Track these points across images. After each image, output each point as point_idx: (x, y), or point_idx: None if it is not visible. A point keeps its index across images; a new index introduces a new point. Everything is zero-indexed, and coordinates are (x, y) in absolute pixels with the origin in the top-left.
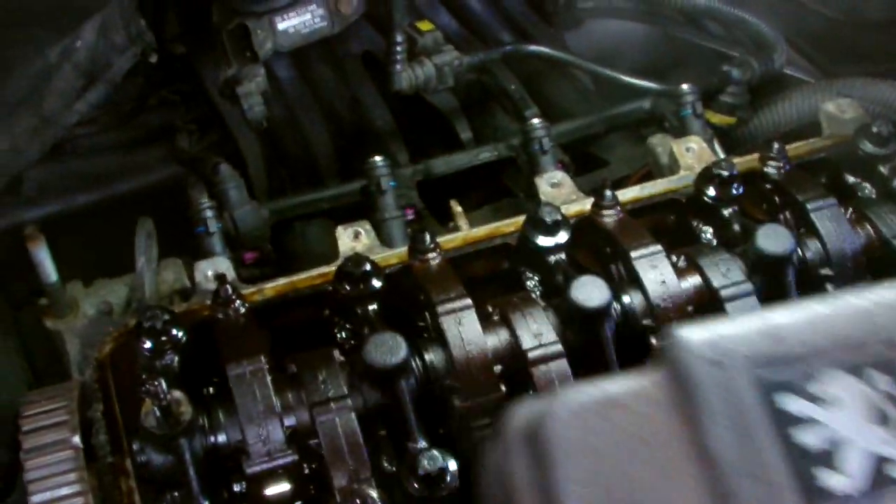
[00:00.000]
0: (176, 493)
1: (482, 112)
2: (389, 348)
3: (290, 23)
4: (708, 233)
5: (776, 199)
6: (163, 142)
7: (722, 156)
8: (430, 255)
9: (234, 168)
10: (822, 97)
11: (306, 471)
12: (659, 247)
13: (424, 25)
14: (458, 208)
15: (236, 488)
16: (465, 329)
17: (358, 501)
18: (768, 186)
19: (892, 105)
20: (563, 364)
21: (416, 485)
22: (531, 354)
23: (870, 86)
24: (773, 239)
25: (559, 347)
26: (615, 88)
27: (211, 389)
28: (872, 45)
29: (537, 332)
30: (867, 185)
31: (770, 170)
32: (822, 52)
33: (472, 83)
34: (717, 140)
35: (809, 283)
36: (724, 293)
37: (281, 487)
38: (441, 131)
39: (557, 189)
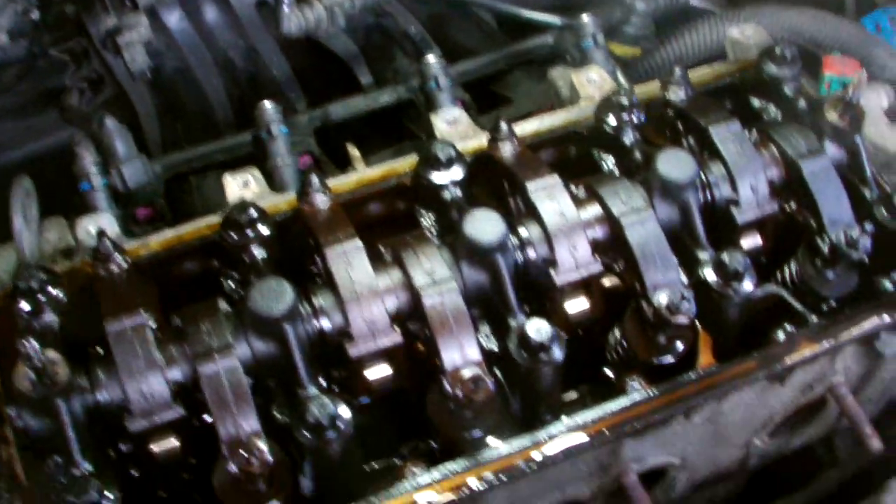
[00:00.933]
0: (58, 458)
1: (383, 56)
2: (275, 294)
3: None
4: (609, 162)
5: (679, 125)
6: (55, 105)
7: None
8: (320, 197)
9: (129, 124)
10: (729, 27)
11: (197, 425)
12: (556, 178)
13: None
14: (355, 152)
15: (123, 448)
16: (354, 270)
17: (244, 453)
18: (670, 113)
19: (799, 31)
20: (456, 299)
21: (305, 433)
22: (424, 292)
23: (776, 13)
24: (673, 164)
25: (452, 284)
26: (520, 26)
27: (99, 349)
28: None
29: (430, 270)
30: (772, 107)
31: (671, 95)
32: None
33: (371, 27)
34: (621, 71)
35: (714, 206)
36: (624, 221)
37: (168, 444)
38: (342, 78)
39: (454, 126)
